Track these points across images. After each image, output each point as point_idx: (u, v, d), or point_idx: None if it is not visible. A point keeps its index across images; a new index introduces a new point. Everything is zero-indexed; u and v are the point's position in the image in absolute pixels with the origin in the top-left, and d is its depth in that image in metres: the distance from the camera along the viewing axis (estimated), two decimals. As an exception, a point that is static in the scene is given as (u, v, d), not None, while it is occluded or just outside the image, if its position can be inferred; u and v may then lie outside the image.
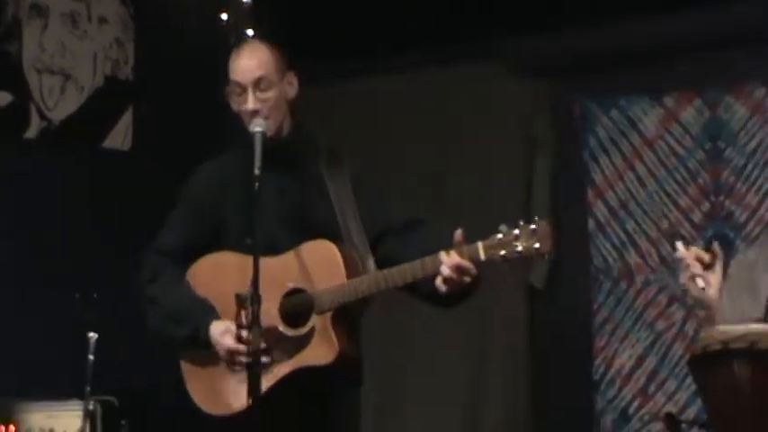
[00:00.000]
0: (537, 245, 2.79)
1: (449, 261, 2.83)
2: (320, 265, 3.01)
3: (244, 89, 3.10)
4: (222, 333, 3.05)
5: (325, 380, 3.03)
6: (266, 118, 3.07)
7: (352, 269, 3.00)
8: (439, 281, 2.89)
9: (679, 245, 3.00)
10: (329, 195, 3.10)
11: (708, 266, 2.96)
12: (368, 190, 3.15)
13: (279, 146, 3.11)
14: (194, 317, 3.12)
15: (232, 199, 3.12)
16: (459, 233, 2.86)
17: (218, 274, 3.13)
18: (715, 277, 2.97)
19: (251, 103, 3.08)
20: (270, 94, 3.09)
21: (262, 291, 2.83)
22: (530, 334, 4.82)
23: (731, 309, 3.04)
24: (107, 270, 4.65)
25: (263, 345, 2.87)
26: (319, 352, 2.99)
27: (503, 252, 2.81)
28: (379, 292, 2.97)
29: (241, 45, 3.25)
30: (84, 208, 4.81)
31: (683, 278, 3.00)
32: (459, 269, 2.84)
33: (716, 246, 3.14)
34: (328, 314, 2.98)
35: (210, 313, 3.11)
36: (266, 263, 2.90)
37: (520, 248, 2.80)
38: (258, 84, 3.08)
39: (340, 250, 3.01)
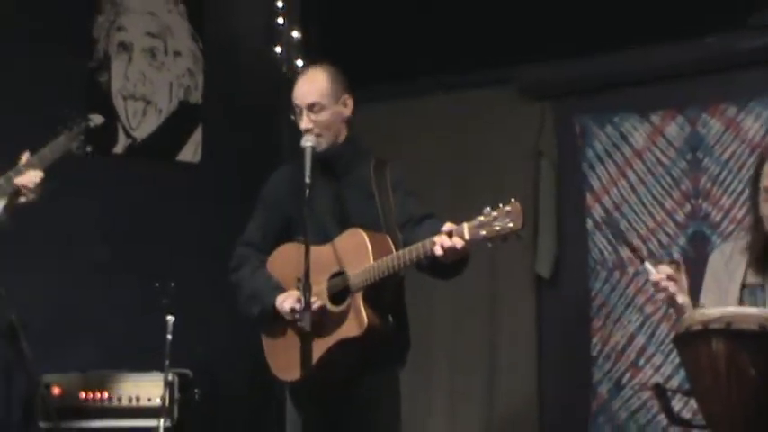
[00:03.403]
0: (511, 224, 2.78)
1: (439, 241, 2.90)
2: (353, 250, 3.06)
3: (300, 110, 3.20)
4: (284, 300, 3.13)
5: (365, 353, 3.06)
6: (319, 135, 3.16)
7: (379, 252, 3.02)
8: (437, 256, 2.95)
9: (649, 267, 2.98)
10: (374, 195, 3.16)
11: (675, 278, 2.99)
12: (403, 190, 3.21)
13: (332, 155, 3.20)
14: (263, 296, 3.20)
15: (294, 200, 3.17)
16: (449, 224, 2.95)
17: (285, 261, 3.21)
18: (682, 284, 3.00)
19: (304, 123, 3.18)
20: (322, 116, 3.16)
21: (313, 275, 2.94)
22: (537, 316, 4.81)
23: (713, 293, 3.13)
24: (181, 263, 4.74)
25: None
26: (352, 326, 3.03)
27: (483, 232, 2.82)
28: (396, 269, 2.99)
29: (304, 71, 3.33)
30: (162, 211, 4.89)
31: (663, 299, 3.02)
32: (447, 249, 2.90)
33: (678, 257, 3.13)
34: (360, 292, 3.02)
35: (276, 291, 3.17)
36: (317, 251, 3.02)
37: (497, 227, 2.80)
38: (311, 107, 3.17)
39: (368, 236, 3.05)
